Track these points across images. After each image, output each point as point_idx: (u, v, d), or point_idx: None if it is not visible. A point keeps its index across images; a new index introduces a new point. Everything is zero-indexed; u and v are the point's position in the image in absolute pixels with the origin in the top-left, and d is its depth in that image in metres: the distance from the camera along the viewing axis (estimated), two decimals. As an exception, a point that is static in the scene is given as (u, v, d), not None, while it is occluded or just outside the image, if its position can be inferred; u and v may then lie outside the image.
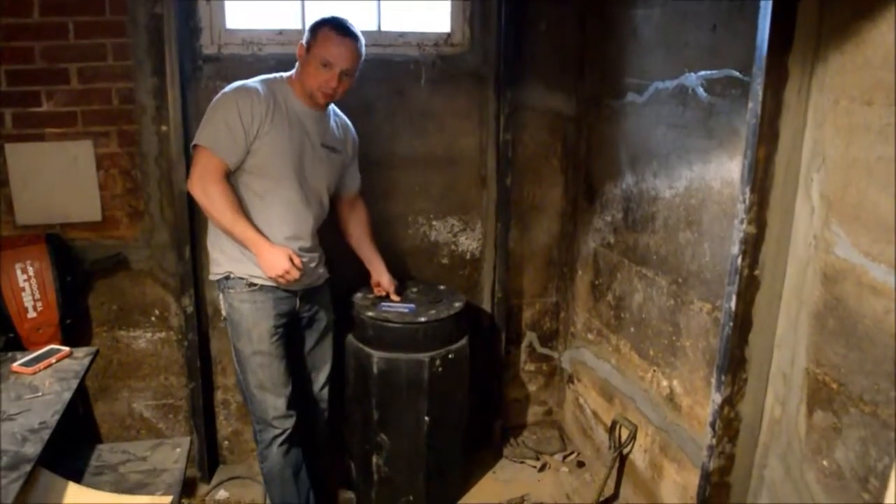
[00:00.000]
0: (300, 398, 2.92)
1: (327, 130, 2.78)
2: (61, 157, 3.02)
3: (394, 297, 3.11)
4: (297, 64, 2.67)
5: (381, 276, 3.12)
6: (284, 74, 2.71)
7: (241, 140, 2.53)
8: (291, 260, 2.54)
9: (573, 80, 3.47)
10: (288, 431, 2.76)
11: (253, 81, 2.63)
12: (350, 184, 3.02)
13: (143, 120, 3.08)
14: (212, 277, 2.77)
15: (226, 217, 2.51)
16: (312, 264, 2.79)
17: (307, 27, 2.65)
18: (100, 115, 3.04)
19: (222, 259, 2.68)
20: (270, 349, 2.68)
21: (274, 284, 2.63)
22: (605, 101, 3.23)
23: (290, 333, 2.82)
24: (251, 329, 2.67)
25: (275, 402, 2.73)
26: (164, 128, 3.07)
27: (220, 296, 2.76)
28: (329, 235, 2.96)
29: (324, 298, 2.97)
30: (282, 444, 2.76)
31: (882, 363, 1.74)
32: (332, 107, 2.84)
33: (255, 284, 2.65)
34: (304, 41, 2.62)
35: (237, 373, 2.84)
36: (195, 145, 2.55)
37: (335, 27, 2.58)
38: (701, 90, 2.48)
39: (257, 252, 2.54)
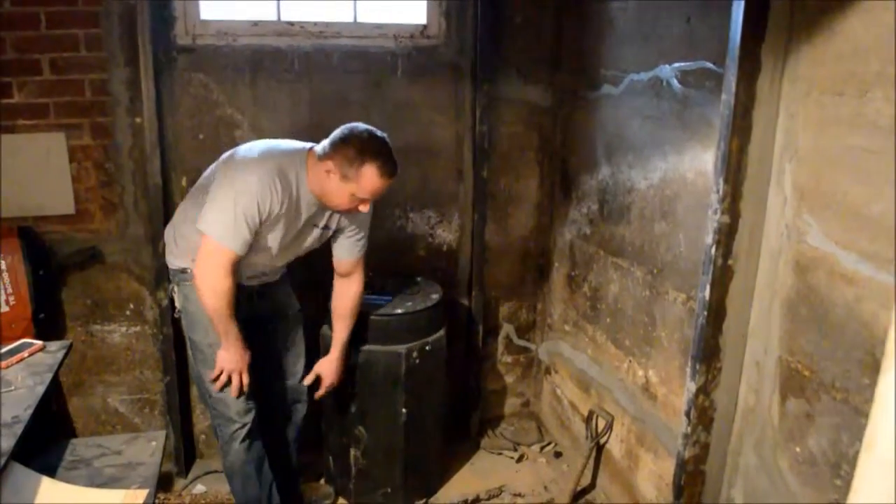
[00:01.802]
0: (275, 393, 2.91)
1: (324, 214, 2.66)
2: (33, 150, 2.98)
3: (319, 391, 2.93)
4: (318, 163, 2.46)
5: (329, 365, 2.91)
6: (301, 152, 2.52)
7: (256, 230, 2.43)
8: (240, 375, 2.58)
9: (549, 72, 3.48)
10: (248, 426, 2.71)
11: (273, 166, 2.42)
12: (347, 253, 2.80)
13: (117, 112, 3.05)
14: (168, 265, 2.71)
15: (222, 312, 2.46)
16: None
17: (340, 138, 2.43)
18: (72, 107, 3.00)
19: (180, 252, 2.63)
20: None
21: None
22: (580, 92, 3.24)
23: (253, 329, 2.73)
24: (207, 321, 2.59)
25: (235, 398, 2.68)
26: (137, 120, 3.03)
27: (174, 287, 2.69)
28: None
29: (282, 291, 2.91)
30: (243, 439, 2.71)
31: (853, 350, 1.77)
32: None
33: None
34: (336, 165, 2.40)
35: (192, 367, 2.81)
36: (208, 235, 2.40)
37: (385, 169, 2.42)
38: (675, 82, 2.49)
39: (227, 347, 2.54)
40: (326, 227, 2.69)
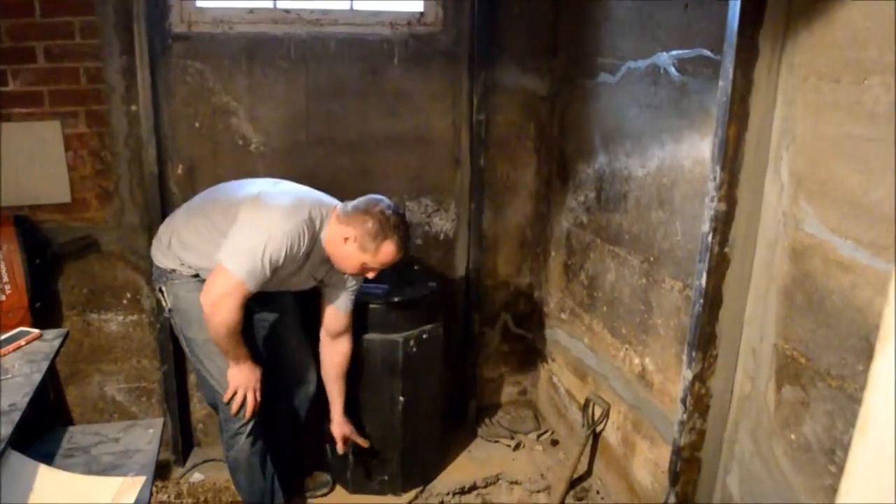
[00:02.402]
0: (280, 379, 2.92)
1: (324, 268, 2.71)
2: (28, 138, 2.97)
3: (341, 446, 3.00)
4: (338, 227, 2.53)
5: (342, 425, 2.98)
6: (329, 208, 2.59)
7: (271, 272, 2.45)
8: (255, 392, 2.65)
9: (546, 61, 3.47)
10: (254, 421, 2.74)
11: (306, 212, 2.49)
12: (334, 304, 2.83)
13: (112, 100, 3.03)
14: (154, 260, 2.69)
15: (230, 342, 2.50)
16: None
17: (364, 209, 2.52)
18: (67, 95, 2.98)
19: (172, 255, 2.62)
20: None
21: None
22: (578, 81, 3.23)
23: (248, 323, 2.72)
24: (202, 316, 2.55)
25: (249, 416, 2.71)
26: (133, 108, 3.02)
27: (162, 288, 2.67)
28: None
29: None
30: (249, 433, 2.74)
31: (849, 338, 1.78)
32: None
33: (199, 276, 2.60)
34: (357, 236, 2.49)
35: (193, 366, 2.81)
36: (226, 268, 2.40)
37: (401, 247, 2.53)
38: (673, 70, 2.49)
39: (238, 365, 2.59)
40: (321, 281, 2.77)
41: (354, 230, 2.49)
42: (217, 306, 2.40)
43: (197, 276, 2.60)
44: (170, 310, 2.69)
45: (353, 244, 2.50)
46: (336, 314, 2.83)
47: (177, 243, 2.62)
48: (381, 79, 3.30)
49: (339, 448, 2.97)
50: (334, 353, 2.90)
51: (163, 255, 2.66)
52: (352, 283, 2.79)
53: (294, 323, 2.98)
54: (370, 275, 2.59)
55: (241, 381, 2.60)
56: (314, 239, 2.52)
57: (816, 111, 1.86)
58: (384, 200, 2.56)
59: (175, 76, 3.06)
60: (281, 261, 2.41)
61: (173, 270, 2.61)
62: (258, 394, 2.65)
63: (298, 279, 2.67)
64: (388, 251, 2.51)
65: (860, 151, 1.72)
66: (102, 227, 3.16)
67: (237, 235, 2.43)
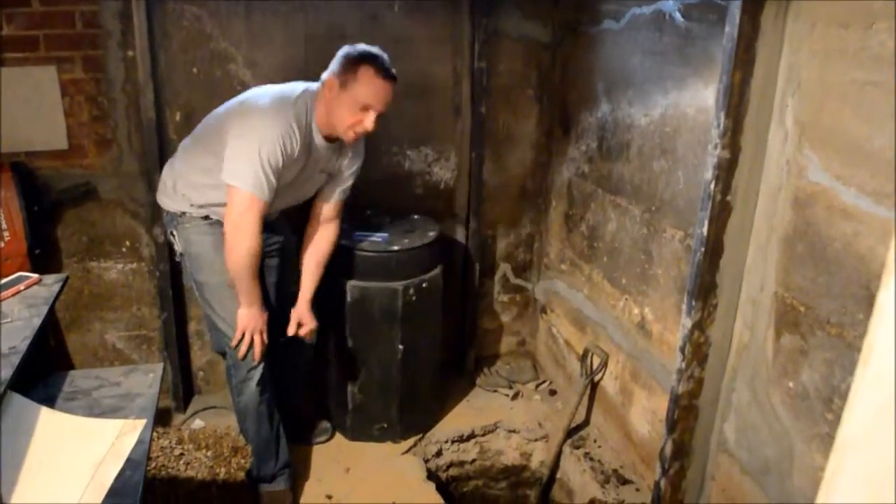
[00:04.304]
0: (280, 328, 2.93)
1: (332, 158, 2.69)
2: (24, 83, 2.93)
3: (303, 332, 2.83)
4: (321, 90, 2.51)
5: (304, 313, 2.83)
6: (311, 93, 2.55)
7: (278, 175, 2.45)
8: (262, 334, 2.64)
9: (549, 7, 3.41)
10: (262, 368, 2.75)
11: (290, 110, 2.46)
12: (330, 193, 2.81)
13: (109, 45, 2.99)
14: (162, 206, 2.71)
15: (248, 268, 2.49)
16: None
17: (335, 56, 2.50)
18: (63, 40, 2.94)
19: (179, 198, 2.62)
20: None
21: None
22: (581, 28, 3.18)
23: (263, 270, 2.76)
24: (213, 260, 2.61)
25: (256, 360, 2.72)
26: (130, 53, 2.98)
27: (173, 232, 2.68)
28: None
29: (281, 227, 2.94)
30: (258, 382, 2.75)
31: (849, 285, 1.77)
32: None
33: (211, 218, 2.61)
34: (335, 75, 2.46)
35: (204, 310, 2.82)
36: (236, 187, 2.41)
37: (380, 69, 2.45)
38: (678, 15, 2.45)
39: (248, 305, 2.57)
40: (330, 173, 2.72)
41: (329, 78, 2.48)
42: (238, 227, 2.42)
43: (207, 217, 2.61)
44: (181, 254, 2.71)
45: (335, 89, 2.46)
46: (331, 203, 2.82)
47: (182, 184, 2.62)
48: (381, 24, 3.25)
49: (290, 331, 2.81)
50: (322, 240, 2.86)
51: (170, 199, 2.66)
52: (349, 173, 2.79)
53: (290, 270, 2.98)
54: (369, 123, 2.48)
55: (247, 324, 2.60)
56: (308, 130, 2.51)
57: (823, 58, 1.83)
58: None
59: (172, 21, 3.01)
60: (280, 162, 2.41)
61: (183, 213, 2.61)
62: (265, 336, 2.65)
63: (313, 181, 2.68)
64: (367, 77, 2.43)
65: (865, 98, 1.70)
66: (101, 174, 3.14)
67: (232, 152, 2.42)
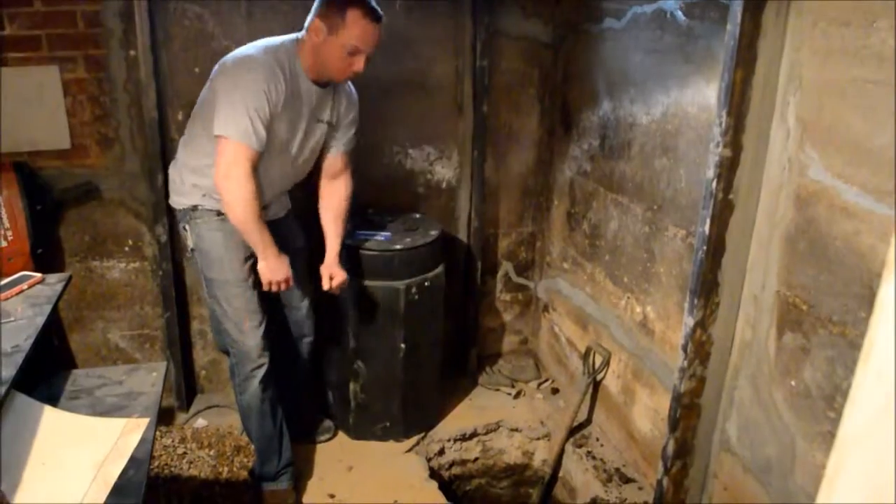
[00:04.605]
0: (281, 328, 2.93)
1: (326, 105, 2.68)
2: (26, 83, 2.93)
3: (332, 287, 2.85)
4: (306, 35, 2.51)
5: (335, 266, 2.86)
6: (292, 41, 2.55)
7: (267, 123, 2.44)
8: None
9: (550, 6, 3.41)
10: (266, 366, 2.76)
11: (269, 55, 2.47)
12: (339, 146, 2.83)
13: (111, 44, 2.99)
14: (174, 205, 2.73)
15: (252, 218, 2.47)
16: (279, 201, 2.82)
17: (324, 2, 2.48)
18: (65, 39, 2.94)
19: (189, 190, 2.63)
20: (244, 276, 2.66)
21: None
22: (582, 26, 3.18)
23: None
24: (223, 257, 2.64)
25: (253, 334, 2.72)
26: (132, 52, 2.98)
27: (186, 227, 2.69)
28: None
29: (290, 225, 2.93)
30: (262, 378, 2.76)
31: (851, 284, 1.77)
32: None
33: (223, 214, 2.61)
34: (320, 19, 2.44)
35: (210, 307, 2.83)
36: (223, 136, 2.41)
37: (368, 11, 2.43)
38: (680, 14, 2.45)
39: (265, 257, 2.55)
40: (329, 122, 2.72)
41: (315, 22, 2.46)
42: (228, 177, 2.43)
43: (220, 213, 2.61)
44: (192, 249, 2.72)
45: (323, 34, 2.44)
46: (336, 157, 2.84)
47: (188, 174, 2.64)
48: (383, 23, 3.24)
49: (325, 285, 2.86)
50: (334, 196, 2.88)
51: (181, 195, 2.68)
52: (347, 123, 2.81)
53: (302, 271, 2.99)
54: (358, 65, 2.48)
55: (270, 277, 2.59)
56: (293, 75, 2.50)
57: (824, 55, 1.83)
58: None
59: (174, 20, 3.01)
60: (267, 109, 2.41)
61: (195, 208, 2.62)
62: (291, 281, 2.63)
63: (312, 131, 2.68)
64: (355, 19, 2.41)
65: (866, 96, 1.70)
66: (103, 173, 3.14)
67: (220, 106, 2.43)
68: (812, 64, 1.87)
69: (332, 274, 2.85)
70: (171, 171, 2.75)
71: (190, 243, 2.71)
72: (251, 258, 2.68)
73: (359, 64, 2.48)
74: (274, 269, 2.58)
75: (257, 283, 2.71)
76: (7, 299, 2.09)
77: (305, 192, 2.94)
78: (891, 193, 1.63)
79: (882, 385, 0.56)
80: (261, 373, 2.75)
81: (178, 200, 2.70)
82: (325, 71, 2.53)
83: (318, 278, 2.88)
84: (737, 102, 1.97)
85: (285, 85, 2.46)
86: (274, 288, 2.61)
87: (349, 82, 2.77)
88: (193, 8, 3.02)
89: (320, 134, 2.73)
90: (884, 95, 1.64)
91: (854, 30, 1.73)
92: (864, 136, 1.71)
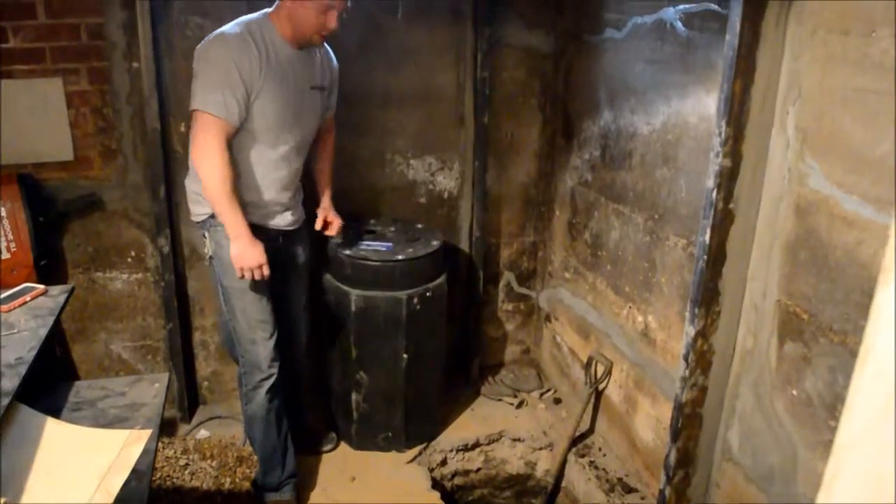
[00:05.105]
0: (282, 336, 2.93)
1: (314, 70, 2.71)
2: (30, 95, 2.95)
3: (331, 230, 2.97)
4: (279, 3, 2.55)
5: (330, 209, 2.98)
6: (263, 14, 2.58)
7: (242, 96, 2.46)
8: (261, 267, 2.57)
9: (551, 17, 3.42)
10: (274, 377, 2.77)
11: (240, 28, 2.50)
12: (327, 111, 2.92)
13: (114, 56, 3.01)
14: (194, 218, 2.74)
15: (223, 191, 2.46)
16: (297, 206, 2.82)
17: None
18: (69, 52, 2.96)
19: (203, 199, 2.63)
20: (259, 285, 2.66)
21: (259, 224, 2.63)
22: (583, 37, 3.20)
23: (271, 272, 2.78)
24: None
25: (265, 344, 2.73)
26: (135, 64, 3.00)
27: (205, 234, 2.70)
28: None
29: (303, 237, 2.95)
30: (269, 389, 2.77)
31: (852, 293, 1.78)
32: None
33: None
34: None
35: (223, 314, 2.83)
36: (195, 110, 2.45)
37: None
38: (680, 24, 2.46)
39: (235, 240, 2.52)
40: (322, 88, 2.75)
41: None
42: (200, 148, 2.46)
43: None
44: (210, 257, 2.72)
45: None
46: (324, 118, 2.90)
47: (199, 184, 2.63)
48: (385, 34, 3.27)
49: (318, 225, 2.94)
50: (325, 147, 2.99)
51: (198, 204, 2.68)
52: (334, 79, 2.86)
53: (303, 283, 3.01)
54: (331, 21, 2.51)
55: (242, 262, 2.54)
56: (270, 44, 2.52)
57: (824, 65, 1.83)
58: None
59: (176, 32, 3.03)
60: (241, 81, 2.43)
61: (213, 216, 2.61)
62: (265, 270, 2.58)
63: (307, 101, 2.69)
64: None
65: (866, 105, 1.70)
66: (106, 185, 3.15)
67: (193, 84, 2.48)
68: (812, 73, 1.88)
69: (327, 217, 2.95)
70: (186, 182, 2.75)
71: (209, 251, 2.72)
72: (267, 267, 2.69)
73: (331, 21, 2.51)
74: (245, 255, 2.53)
75: (271, 295, 2.73)
76: (10, 311, 2.10)
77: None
78: (891, 203, 1.63)
79: (879, 389, 0.56)
80: (269, 383, 2.76)
81: (196, 211, 2.71)
82: (301, 34, 2.56)
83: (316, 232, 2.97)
84: (736, 112, 1.98)
85: (258, 53, 2.48)
86: (247, 275, 2.56)
87: (326, 47, 2.81)
88: (195, 19, 3.04)
89: (316, 102, 2.76)
90: (884, 105, 1.64)
91: (854, 38, 1.73)
92: (864, 145, 1.71)
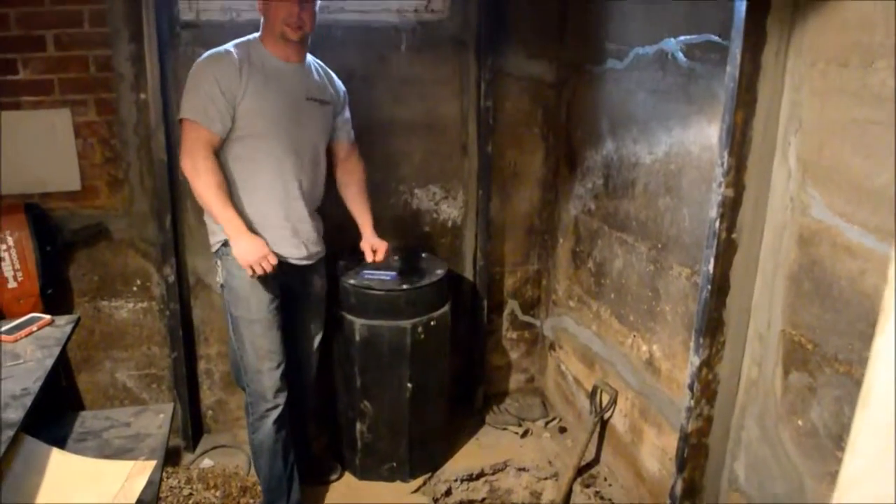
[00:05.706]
0: (290, 367, 2.93)
1: (310, 83, 2.74)
2: (39, 126, 2.98)
3: (378, 256, 2.99)
4: (261, 21, 2.64)
5: (372, 238, 3.00)
6: (254, 35, 2.67)
7: (224, 106, 2.50)
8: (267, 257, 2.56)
9: (554, 47, 3.46)
10: (280, 407, 2.77)
11: (225, 46, 2.61)
12: (341, 135, 2.94)
13: (121, 88, 3.05)
14: (212, 247, 2.76)
15: (210, 191, 2.49)
16: (309, 239, 2.81)
17: None
18: (77, 83, 3.00)
19: (217, 228, 2.65)
20: (269, 317, 2.67)
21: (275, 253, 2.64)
22: (585, 67, 3.23)
23: (285, 304, 2.80)
24: (250, 296, 2.64)
25: (271, 374, 2.73)
26: (142, 95, 3.04)
27: (218, 262, 2.71)
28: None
29: (320, 270, 2.96)
30: (275, 419, 2.77)
31: (856, 323, 1.78)
32: (314, 59, 2.81)
33: None
34: None
35: (231, 342, 2.83)
36: (181, 119, 2.54)
37: None
38: (681, 55, 2.48)
39: (232, 236, 2.54)
40: (322, 101, 2.77)
41: None
42: (184, 152, 2.53)
43: None
44: (221, 285, 2.74)
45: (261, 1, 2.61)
46: (341, 142, 2.96)
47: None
48: (389, 65, 3.30)
49: (368, 258, 2.99)
50: (353, 174, 3.02)
51: (212, 233, 2.72)
52: (340, 98, 2.91)
53: (319, 307, 3.03)
54: (297, 11, 2.54)
55: (247, 259, 2.54)
56: (256, 57, 2.60)
57: (824, 96, 1.85)
58: None
59: (183, 64, 3.06)
60: (218, 86, 2.49)
61: (226, 243, 2.62)
62: (272, 259, 2.57)
63: (307, 113, 2.72)
64: None
65: (866, 136, 1.72)
66: (112, 214, 3.17)
67: (181, 99, 2.58)
68: (812, 104, 1.89)
69: (373, 246, 2.98)
70: (206, 216, 2.77)
71: (220, 279, 2.73)
72: (277, 299, 2.71)
73: (295, 6, 2.54)
74: (248, 250, 2.53)
75: (281, 326, 2.74)
76: (17, 341, 2.11)
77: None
78: (891, 232, 1.64)
79: (881, 432, 0.57)
80: (275, 413, 2.76)
81: (210, 239, 2.75)
82: (276, 35, 2.60)
83: (362, 253, 3.02)
84: (738, 143, 2.00)
85: (238, 61, 2.54)
86: (258, 270, 2.54)
87: (329, 70, 2.88)
88: (201, 51, 3.05)
89: (316, 115, 2.76)
90: (883, 135, 1.65)
91: (853, 70, 1.75)
92: (864, 175, 1.73)
